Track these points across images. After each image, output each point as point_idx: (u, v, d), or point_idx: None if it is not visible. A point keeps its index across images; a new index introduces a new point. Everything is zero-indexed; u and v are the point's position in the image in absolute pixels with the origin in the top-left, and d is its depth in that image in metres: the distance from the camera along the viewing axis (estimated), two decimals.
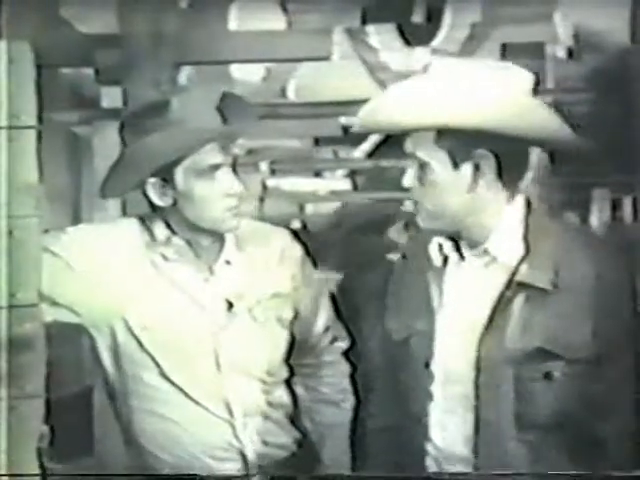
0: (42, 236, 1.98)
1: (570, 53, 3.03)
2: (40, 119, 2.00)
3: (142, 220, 2.14)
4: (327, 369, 2.32)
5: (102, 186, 2.12)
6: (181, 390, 2.07)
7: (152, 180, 2.07)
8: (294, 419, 2.24)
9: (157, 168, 2.05)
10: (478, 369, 1.89)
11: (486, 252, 1.93)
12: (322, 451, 2.29)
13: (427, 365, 1.95)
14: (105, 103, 3.14)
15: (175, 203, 2.07)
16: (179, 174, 2.07)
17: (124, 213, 2.89)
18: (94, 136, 3.16)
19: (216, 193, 2.07)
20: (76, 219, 3.16)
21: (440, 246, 2.00)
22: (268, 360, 2.15)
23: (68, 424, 2.12)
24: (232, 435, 2.10)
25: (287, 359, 2.22)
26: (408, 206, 4.37)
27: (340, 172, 3.98)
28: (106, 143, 3.11)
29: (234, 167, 2.11)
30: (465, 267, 1.97)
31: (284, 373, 2.21)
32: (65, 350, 2.13)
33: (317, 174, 3.86)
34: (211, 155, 2.07)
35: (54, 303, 2.03)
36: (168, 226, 2.11)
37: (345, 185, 3.93)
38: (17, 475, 1.72)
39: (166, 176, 2.06)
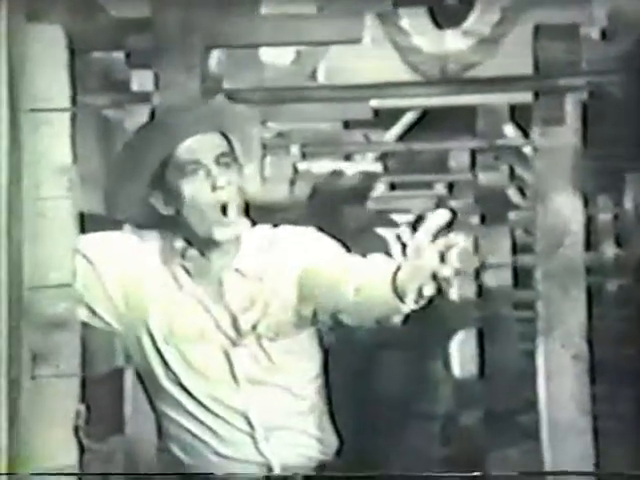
0: (77, 238, 1.99)
1: (604, 34, 3.00)
2: (74, 102, 2.01)
3: (165, 233, 2.14)
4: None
5: (107, 204, 2.14)
6: (200, 403, 2.08)
7: (154, 191, 2.07)
8: (327, 426, 2.18)
9: (150, 175, 2.05)
10: None
11: None
12: None
13: None
14: (136, 87, 3.15)
15: (179, 212, 2.07)
16: (170, 178, 2.06)
17: None
18: (125, 119, 3.17)
19: (201, 189, 2.05)
20: (108, 202, 3.17)
21: None
22: (286, 372, 2.12)
23: (100, 403, 2.14)
24: (254, 448, 2.10)
25: (325, 366, 2.17)
26: (438, 190, 4.38)
27: (371, 155, 3.98)
28: (137, 126, 3.12)
29: (219, 161, 2.08)
30: None
31: (313, 383, 2.17)
32: (98, 330, 2.14)
33: (347, 157, 3.86)
34: (190, 151, 2.06)
35: (88, 308, 2.05)
36: (185, 237, 2.10)
37: (376, 168, 3.93)
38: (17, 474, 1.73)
39: (163, 184, 2.06)
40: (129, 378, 2.87)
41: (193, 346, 2.08)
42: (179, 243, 2.11)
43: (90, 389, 1.96)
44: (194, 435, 2.09)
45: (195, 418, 2.09)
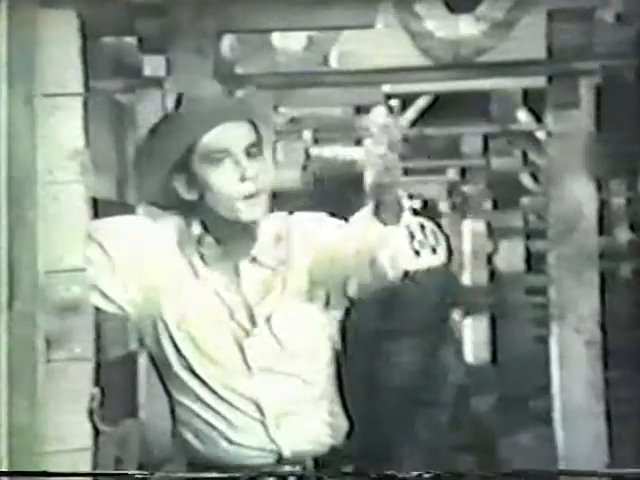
0: (89, 223, 1.98)
1: (618, 18, 2.98)
2: (86, 87, 2.01)
3: (182, 218, 2.12)
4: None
5: (137, 190, 2.11)
6: (212, 390, 2.07)
7: (177, 175, 2.05)
8: (338, 412, 2.18)
9: (174, 160, 2.03)
10: None
11: None
12: None
13: None
14: (148, 72, 3.15)
15: (202, 197, 2.05)
16: (195, 164, 2.04)
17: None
18: (137, 104, 3.17)
19: (229, 179, 2.03)
20: (120, 186, 3.18)
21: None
22: (299, 360, 2.11)
23: (114, 386, 2.14)
24: (265, 435, 2.09)
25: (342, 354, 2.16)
26: (451, 175, 4.38)
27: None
28: (149, 111, 3.12)
29: (248, 152, 2.05)
30: None
31: (326, 370, 2.16)
32: (112, 314, 2.14)
33: (359, 142, 3.85)
34: (219, 139, 2.04)
35: (101, 293, 2.04)
36: (202, 223, 2.08)
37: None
38: (17, 474, 1.74)
39: (188, 169, 2.04)
40: (143, 362, 2.88)
41: (206, 334, 2.07)
42: (196, 230, 2.10)
43: (104, 373, 1.97)
44: (206, 422, 2.09)
45: (207, 405, 2.09)
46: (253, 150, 2.03)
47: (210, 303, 2.05)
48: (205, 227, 2.07)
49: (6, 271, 1.82)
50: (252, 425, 2.06)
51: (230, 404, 2.06)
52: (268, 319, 2.05)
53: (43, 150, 1.93)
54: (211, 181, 2.01)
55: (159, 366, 2.13)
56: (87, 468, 1.85)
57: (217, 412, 2.07)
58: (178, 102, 2.07)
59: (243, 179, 1.99)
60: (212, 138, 2.01)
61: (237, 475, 1.99)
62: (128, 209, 3.18)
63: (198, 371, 2.05)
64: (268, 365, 2.06)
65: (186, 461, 2.12)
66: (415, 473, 1.97)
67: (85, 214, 2.01)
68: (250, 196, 2.00)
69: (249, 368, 2.05)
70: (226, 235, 2.06)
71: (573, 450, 2.96)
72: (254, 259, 2.07)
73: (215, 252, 2.06)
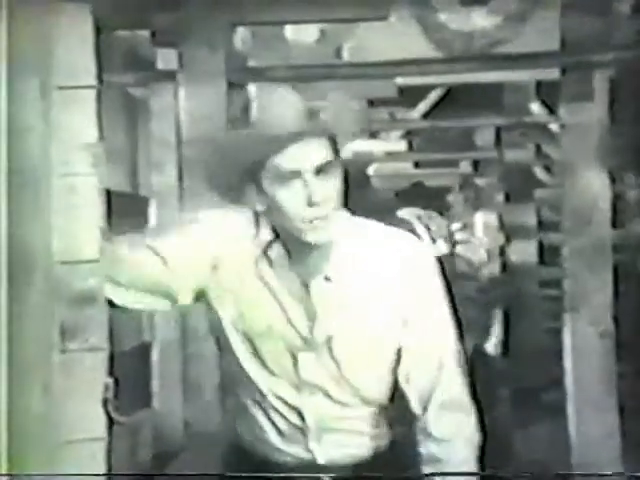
0: (142, 232, 1.95)
1: (633, 9, 2.97)
2: (100, 80, 2.01)
3: (256, 215, 2.04)
4: None
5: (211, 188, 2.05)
6: (259, 391, 2.05)
7: (249, 185, 1.97)
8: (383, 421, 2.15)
9: (245, 169, 1.95)
10: None
11: None
12: None
13: None
14: (161, 65, 3.16)
15: (270, 210, 1.97)
16: (264, 180, 1.96)
17: (180, 176, 2.91)
18: (150, 97, 3.17)
19: (296, 201, 1.91)
20: (134, 178, 3.20)
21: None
22: (353, 383, 2.07)
23: (128, 377, 2.15)
24: (305, 446, 2.07)
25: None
26: (464, 167, 4.37)
27: (395, 133, 3.98)
28: (162, 104, 3.13)
29: (318, 172, 1.88)
30: None
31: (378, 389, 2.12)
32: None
33: (372, 135, 3.85)
34: (291, 160, 1.91)
35: (150, 292, 2.01)
36: (274, 230, 2.01)
37: (401, 146, 3.92)
38: (17, 475, 1.74)
39: (258, 182, 1.97)
40: (156, 353, 2.90)
41: (261, 339, 2.03)
42: (267, 236, 2.04)
43: (118, 363, 1.97)
44: (256, 421, 2.07)
45: (257, 405, 2.07)
46: (325, 169, 1.93)
47: (271, 311, 2.00)
48: (277, 233, 2.00)
49: (19, 262, 1.83)
50: (294, 433, 2.04)
51: (276, 410, 2.04)
52: (329, 338, 2.00)
53: (57, 142, 1.93)
54: (278, 200, 1.92)
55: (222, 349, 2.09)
56: (101, 458, 1.86)
57: (265, 415, 2.05)
58: (246, 109, 1.96)
59: (311, 204, 1.91)
60: (283, 157, 1.91)
61: (269, 475, 1.98)
62: (141, 201, 3.19)
63: (248, 370, 2.02)
64: (320, 383, 2.01)
65: (227, 443, 2.11)
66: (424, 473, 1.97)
67: (99, 206, 2.01)
68: (316, 219, 1.91)
69: (299, 381, 2.01)
70: (297, 248, 1.98)
71: (586, 442, 2.96)
72: (327, 278, 1.98)
73: (286, 261, 2.00)
